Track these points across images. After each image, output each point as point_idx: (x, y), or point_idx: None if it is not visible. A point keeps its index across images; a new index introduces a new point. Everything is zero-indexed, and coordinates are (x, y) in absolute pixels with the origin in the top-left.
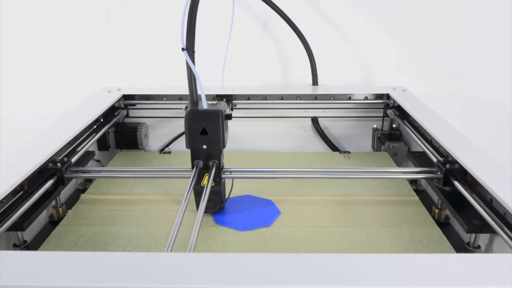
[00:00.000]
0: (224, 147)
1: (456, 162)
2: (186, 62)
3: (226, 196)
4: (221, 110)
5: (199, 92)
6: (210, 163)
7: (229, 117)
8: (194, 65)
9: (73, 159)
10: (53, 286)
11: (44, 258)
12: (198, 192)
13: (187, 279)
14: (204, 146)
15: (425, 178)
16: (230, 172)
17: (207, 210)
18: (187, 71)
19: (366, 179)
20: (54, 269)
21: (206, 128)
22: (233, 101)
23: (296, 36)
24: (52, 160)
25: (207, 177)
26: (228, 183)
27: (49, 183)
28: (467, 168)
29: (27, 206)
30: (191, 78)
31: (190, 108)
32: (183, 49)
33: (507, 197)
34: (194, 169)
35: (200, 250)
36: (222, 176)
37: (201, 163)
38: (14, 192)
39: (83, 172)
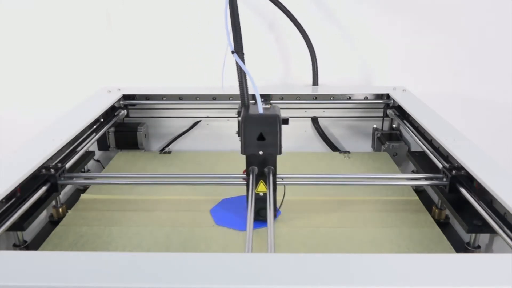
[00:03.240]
0: (280, 153)
1: (462, 168)
2: (237, 64)
3: (279, 204)
4: (278, 114)
5: (255, 96)
6: (266, 170)
7: (286, 121)
8: (245, 66)
9: (68, 164)
10: (53, 286)
11: (44, 258)
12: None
13: (187, 279)
14: (261, 152)
15: (430, 185)
16: (282, 178)
17: (259, 218)
18: (238, 74)
19: (370, 185)
20: (54, 269)
21: (263, 133)
22: (271, 101)
23: (296, 36)
24: (45, 166)
25: (262, 184)
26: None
27: (42, 190)
28: (474, 175)
29: (19, 214)
30: (243, 81)
31: (246, 113)
32: (232, 52)
33: (507, 197)
34: (251, 175)
35: (200, 250)
36: (276, 183)
37: (256, 170)
38: (6, 198)
39: (78, 178)
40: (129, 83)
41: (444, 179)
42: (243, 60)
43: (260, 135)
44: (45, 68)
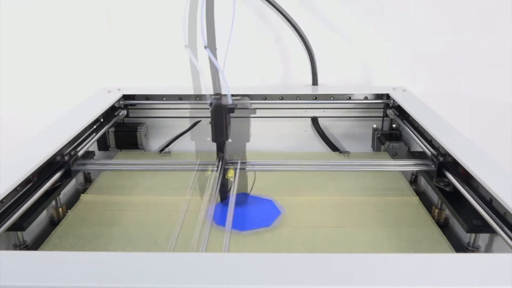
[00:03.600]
0: (227, 139)
1: (449, 155)
2: (209, 58)
3: (248, 191)
4: (224, 104)
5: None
6: (235, 156)
7: (232, 110)
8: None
9: (80, 153)
10: (53, 286)
11: (44, 258)
12: (221, 185)
13: (187, 279)
14: (229, 140)
15: (418, 171)
16: (252, 165)
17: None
18: (211, 68)
19: (362, 172)
20: (54, 269)
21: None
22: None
23: (296, 36)
24: (60, 153)
25: (231, 170)
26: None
27: (57, 175)
28: (461, 162)
29: (34, 200)
30: (215, 74)
31: (216, 102)
32: (205, 47)
33: (507, 197)
34: (220, 162)
35: (199, 251)
36: (246, 169)
37: (226, 156)
38: (21, 185)
39: (90, 164)
40: (129, 83)
41: (432, 166)
42: (215, 55)
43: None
44: (45, 68)
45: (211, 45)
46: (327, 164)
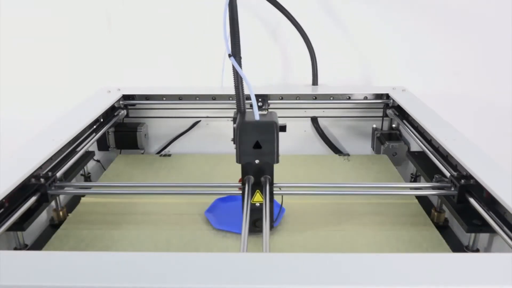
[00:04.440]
0: (277, 161)
1: (471, 177)
2: (233, 68)
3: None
4: (275, 121)
5: (252, 102)
6: (262, 179)
7: (283, 129)
8: (242, 71)
9: (59, 173)
10: (53, 286)
11: (44, 258)
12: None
13: (187, 279)
14: (257, 161)
15: (437, 195)
16: (280, 188)
17: (255, 229)
18: (234, 78)
19: (374, 195)
20: (54, 269)
21: (259, 141)
22: (269, 101)
23: (296, 36)
24: (35, 175)
25: (258, 194)
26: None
27: (32, 200)
28: (463, 164)
29: (5, 228)
30: (239, 86)
31: (241, 119)
32: (229, 56)
33: (506, 197)
34: (246, 185)
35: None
36: (274, 192)
37: (252, 179)
38: None
39: (69, 187)
40: (129, 83)
41: (452, 188)
42: (240, 64)
43: (256, 143)
44: (45, 68)
45: (235, 53)
46: (346, 187)
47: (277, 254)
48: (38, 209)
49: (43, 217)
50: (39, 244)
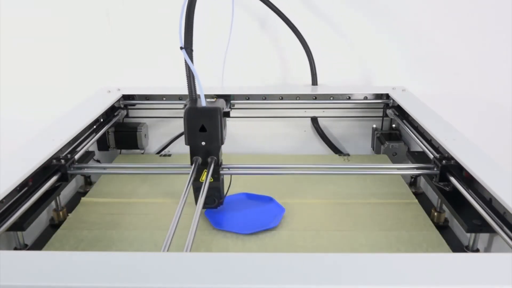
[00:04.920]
0: (222, 143)
1: (452, 158)
2: (185, 60)
3: (224, 193)
4: (219, 107)
5: (198, 91)
6: (209, 159)
7: (227, 114)
8: (193, 63)
9: (76, 156)
10: (53, 286)
11: (44, 258)
12: (197, 188)
13: (186, 279)
14: (203, 143)
15: (421, 174)
16: (229, 168)
17: (205, 206)
18: (186, 70)
19: (362, 175)
20: (54, 269)
21: (204, 125)
22: (231, 101)
23: (295, 36)
24: (56, 156)
25: (205, 173)
26: (226, 181)
27: (53, 179)
28: (463, 165)
29: (31, 202)
30: (190, 76)
31: (189, 106)
32: (181, 48)
33: (506, 197)
34: (193, 165)
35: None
36: (221, 172)
37: (200, 160)
38: (18, 188)
39: (86, 168)
40: (129, 83)
41: (435, 169)
42: (191, 56)
43: (202, 127)
44: (45, 68)
45: (187, 46)
46: (323, 168)
47: (277, 254)
48: (58, 189)
49: (43, 217)
50: (39, 244)
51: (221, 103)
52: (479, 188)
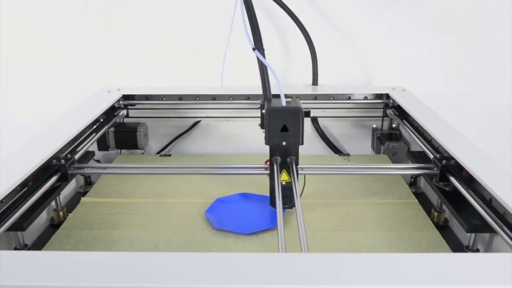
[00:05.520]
0: (302, 143)
1: (452, 158)
2: (258, 60)
3: (300, 193)
4: (300, 107)
5: (273, 90)
6: (288, 160)
7: (308, 114)
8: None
9: (76, 156)
10: (53, 286)
11: (44, 258)
12: (272, 188)
13: (186, 279)
14: (284, 143)
15: (421, 174)
16: (302, 168)
17: (283, 206)
18: (260, 69)
19: (362, 175)
20: (54, 269)
21: (287, 125)
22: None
23: (296, 36)
24: (56, 156)
25: (285, 173)
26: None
27: (53, 179)
28: (463, 165)
29: (31, 202)
30: (264, 76)
31: (270, 105)
32: (253, 49)
33: (506, 197)
34: (274, 165)
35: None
36: (299, 172)
37: (279, 159)
38: (18, 188)
39: (86, 168)
40: (129, 83)
41: (435, 169)
42: (264, 55)
43: (284, 127)
44: (45, 68)
45: (258, 47)
46: (335, 168)
47: (277, 254)
48: (58, 188)
49: (43, 217)
50: (39, 244)
51: (299, 103)
52: (479, 188)
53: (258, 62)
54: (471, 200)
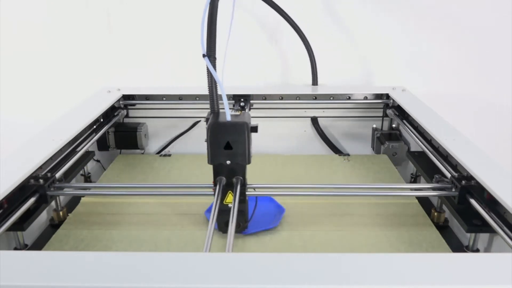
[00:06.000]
0: (249, 162)
1: (472, 178)
2: (207, 69)
3: (250, 215)
4: (246, 122)
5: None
6: (234, 180)
7: (254, 129)
8: (216, 72)
9: (58, 174)
10: (54, 286)
11: (44, 258)
12: (220, 211)
13: (186, 279)
14: (228, 162)
15: (438, 196)
16: (254, 188)
17: (227, 230)
18: (208, 79)
19: (375, 196)
20: (54, 269)
21: (230, 142)
22: (251, 101)
23: (296, 36)
24: (34, 175)
25: (230, 195)
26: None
27: (31, 201)
28: (463, 164)
29: (5, 228)
30: (212, 86)
31: (212, 120)
32: (204, 56)
33: (506, 197)
34: (218, 186)
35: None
36: (247, 193)
37: (224, 180)
38: (18, 188)
39: (69, 188)
40: (129, 83)
41: (453, 189)
42: (214, 65)
43: (227, 144)
44: (45, 68)
45: (210, 54)
46: (333, 188)
47: (277, 254)
48: (37, 210)
49: (43, 217)
50: (39, 244)
51: (247, 117)
52: (500, 210)
53: (207, 71)
54: (471, 200)
